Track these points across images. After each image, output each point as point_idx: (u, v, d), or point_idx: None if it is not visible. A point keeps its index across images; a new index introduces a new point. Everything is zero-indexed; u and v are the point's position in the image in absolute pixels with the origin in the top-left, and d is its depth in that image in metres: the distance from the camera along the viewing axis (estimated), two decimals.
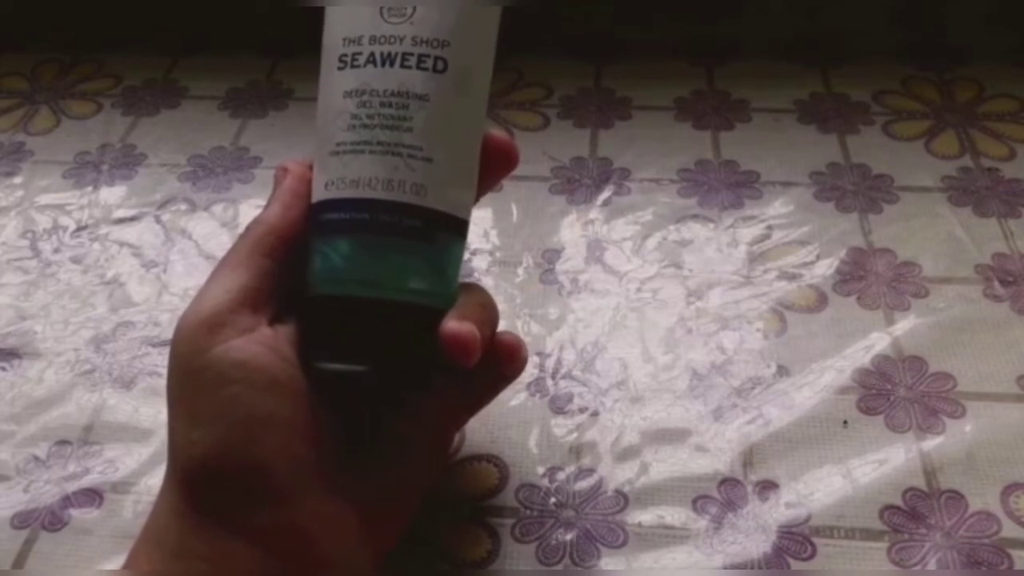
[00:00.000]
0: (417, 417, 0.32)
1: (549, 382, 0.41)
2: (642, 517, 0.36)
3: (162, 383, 0.36)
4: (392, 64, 0.30)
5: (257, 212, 0.32)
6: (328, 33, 0.32)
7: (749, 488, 0.36)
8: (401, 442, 0.32)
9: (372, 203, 0.30)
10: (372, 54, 0.30)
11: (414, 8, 0.30)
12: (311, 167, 0.32)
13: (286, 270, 0.31)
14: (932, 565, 0.34)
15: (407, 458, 0.32)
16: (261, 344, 0.29)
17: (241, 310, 0.29)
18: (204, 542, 0.28)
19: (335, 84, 0.31)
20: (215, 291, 0.30)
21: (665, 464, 0.37)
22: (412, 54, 0.30)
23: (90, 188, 0.53)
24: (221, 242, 0.48)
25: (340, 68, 0.31)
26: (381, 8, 0.30)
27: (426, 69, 0.30)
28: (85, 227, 0.50)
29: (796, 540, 0.34)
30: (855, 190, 0.50)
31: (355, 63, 0.30)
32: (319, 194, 0.31)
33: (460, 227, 0.31)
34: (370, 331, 0.30)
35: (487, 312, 0.32)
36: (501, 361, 0.33)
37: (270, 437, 0.28)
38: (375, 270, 0.30)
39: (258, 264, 0.30)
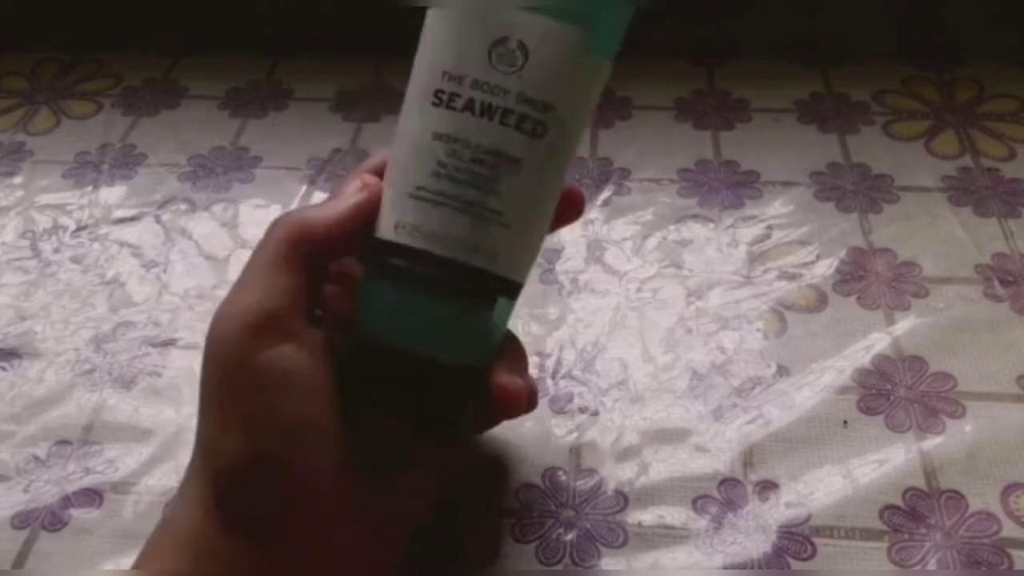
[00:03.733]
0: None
1: (549, 382, 0.41)
2: (642, 517, 0.36)
3: (162, 383, 0.36)
4: (492, 118, 0.28)
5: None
6: (426, 54, 0.29)
7: (749, 488, 0.36)
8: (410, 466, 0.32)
9: (442, 261, 0.29)
10: (472, 100, 0.28)
11: (525, 58, 0.28)
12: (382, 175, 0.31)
13: (322, 275, 0.31)
14: (932, 565, 0.34)
15: (413, 480, 0.32)
16: (303, 350, 0.29)
17: (285, 313, 0.29)
18: (227, 542, 0.28)
19: (426, 120, 0.29)
20: (259, 293, 0.29)
21: (665, 464, 0.37)
22: (514, 112, 0.28)
23: (90, 188, 0.53)
24: (221, 242, 0.48)
25: (435, 104, 0.29)
26: (490, 51, 0.28)
27: (525, 132, 0.28)
28: (85, 227, 0.50)
29: (796, 540, 0.34)
30: (855, 190, 0.50)
31: (452, 104, 0.28)
32: (388, 231, 0.30)
33: (517, 291, 0.31)
34: (410, 383, 0.30)
35: (524, 361, 0.32)
36: (500, 408, 0.31)
37: (305, 445, 0.28)
38: (428, 329, 0.29)
39: (301, 268, 0.30)
